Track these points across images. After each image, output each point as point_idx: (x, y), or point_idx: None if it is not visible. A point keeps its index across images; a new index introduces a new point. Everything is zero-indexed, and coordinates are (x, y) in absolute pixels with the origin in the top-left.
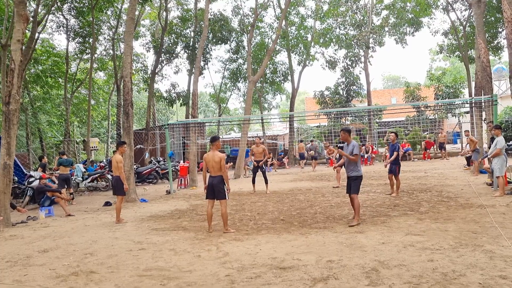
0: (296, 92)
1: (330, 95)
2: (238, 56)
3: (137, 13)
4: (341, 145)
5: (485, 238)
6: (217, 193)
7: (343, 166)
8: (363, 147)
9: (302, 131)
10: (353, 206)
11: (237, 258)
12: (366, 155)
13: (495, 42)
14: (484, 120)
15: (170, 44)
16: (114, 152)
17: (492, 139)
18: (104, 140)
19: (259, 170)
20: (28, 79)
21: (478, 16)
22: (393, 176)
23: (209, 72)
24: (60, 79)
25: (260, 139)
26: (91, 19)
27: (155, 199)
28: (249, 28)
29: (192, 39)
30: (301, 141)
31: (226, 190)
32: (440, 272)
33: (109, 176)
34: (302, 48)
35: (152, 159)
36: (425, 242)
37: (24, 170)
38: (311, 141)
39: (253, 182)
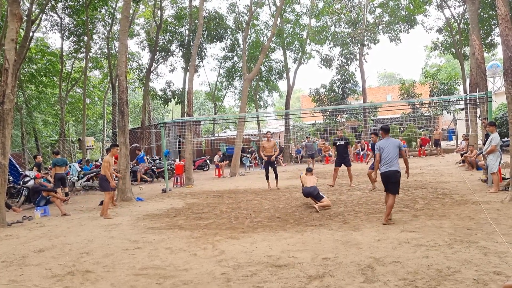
0: (292, 89)
1: (325, 93)
2: (234, 54)
3: (131, 11)
4: (340, 143)
5: (480, 234)
6: (316, 197)
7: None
8: (359, 144)
9: (297, 129)
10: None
11: (233, 256)
12: (361, 152)
13: (489, 39)
14: (479, 117)
15: (165, 43)
16: (107, 151)
17: (486, 136)
18: (100, 139)
19: (270, 166)
20: (22, 78)
21: (473, 13)
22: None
23: (204, 70)
24: (54, 78)
25: (271, 134)
26: (85, 17)
27: (151, 198)
28: (244, 26)
29: (187, 37)
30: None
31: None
32: (435, 268)
33: None
34: (297, 45)
35: (148, 157)
36: (420, 239)
37: (20, 170)
38: (307, 137)
39: (267, 178)
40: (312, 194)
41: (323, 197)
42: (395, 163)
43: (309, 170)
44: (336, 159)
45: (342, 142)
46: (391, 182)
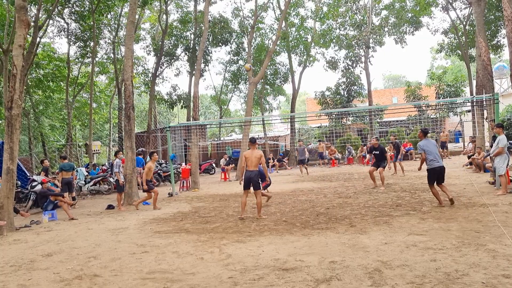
0: (297, 93)
1: (331, 96)
2: (239, 58)
3: (137, 16)
4: (376, 152)
5: (488, 237)
6: (254, 185)
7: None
8: (365, 147)
9: (303, 132)
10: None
11: (240, 260)
12: (368, 156)
13: (495, 40)
14: (486, 119)
15: (171, 47)
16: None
17: (494, 138)
18: (106, 143)
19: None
20: (30, 83)
21: (478, 14)
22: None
23: (209, 74)
24: (61, 83)
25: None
26: (91, 23)
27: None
28: (249, 29)
29: (192, 41)
30: (320, 141)
31: (261, 183)
32: (443, 271)
33: (111, 179)
34: (302, 49)
35: None
36: (428, 242)
37: (28, 174)
38: (299, 141)
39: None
40: (253, 180)
41: (259, 188)
42: (441, 159)
43: (252, 141)
44: (373, 163)
45: (378, 152)
46: (442, 174)
